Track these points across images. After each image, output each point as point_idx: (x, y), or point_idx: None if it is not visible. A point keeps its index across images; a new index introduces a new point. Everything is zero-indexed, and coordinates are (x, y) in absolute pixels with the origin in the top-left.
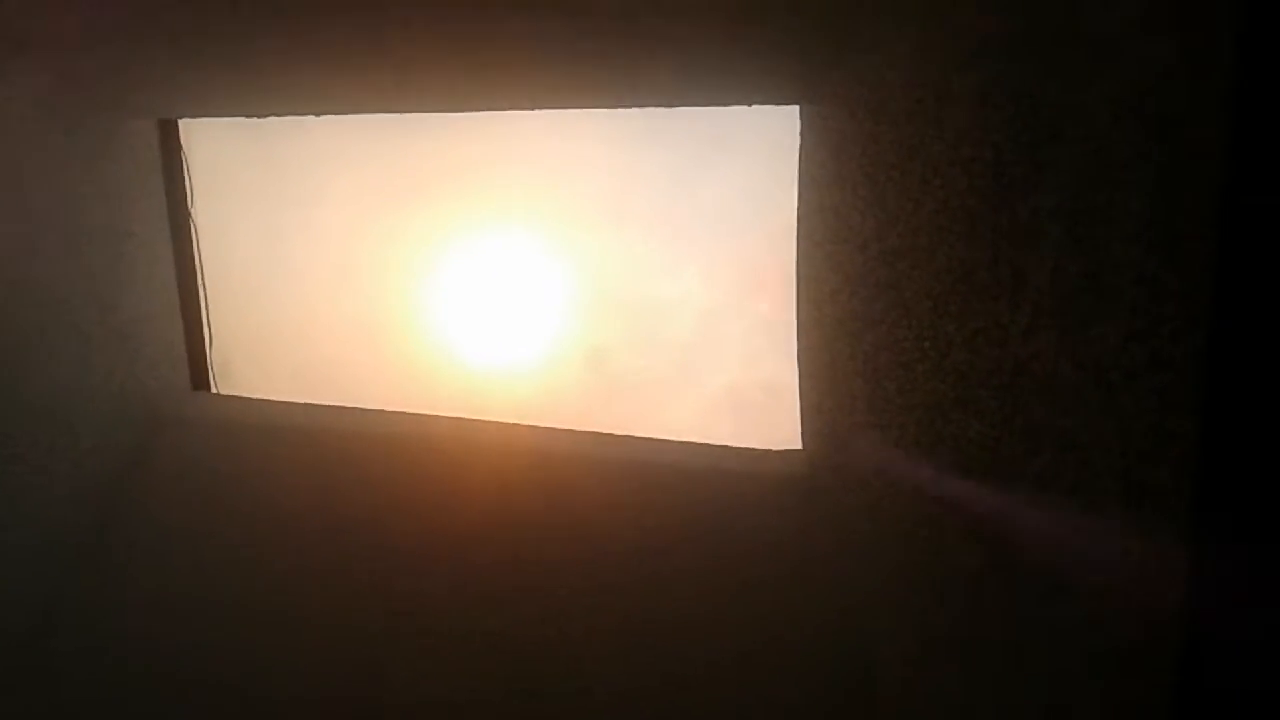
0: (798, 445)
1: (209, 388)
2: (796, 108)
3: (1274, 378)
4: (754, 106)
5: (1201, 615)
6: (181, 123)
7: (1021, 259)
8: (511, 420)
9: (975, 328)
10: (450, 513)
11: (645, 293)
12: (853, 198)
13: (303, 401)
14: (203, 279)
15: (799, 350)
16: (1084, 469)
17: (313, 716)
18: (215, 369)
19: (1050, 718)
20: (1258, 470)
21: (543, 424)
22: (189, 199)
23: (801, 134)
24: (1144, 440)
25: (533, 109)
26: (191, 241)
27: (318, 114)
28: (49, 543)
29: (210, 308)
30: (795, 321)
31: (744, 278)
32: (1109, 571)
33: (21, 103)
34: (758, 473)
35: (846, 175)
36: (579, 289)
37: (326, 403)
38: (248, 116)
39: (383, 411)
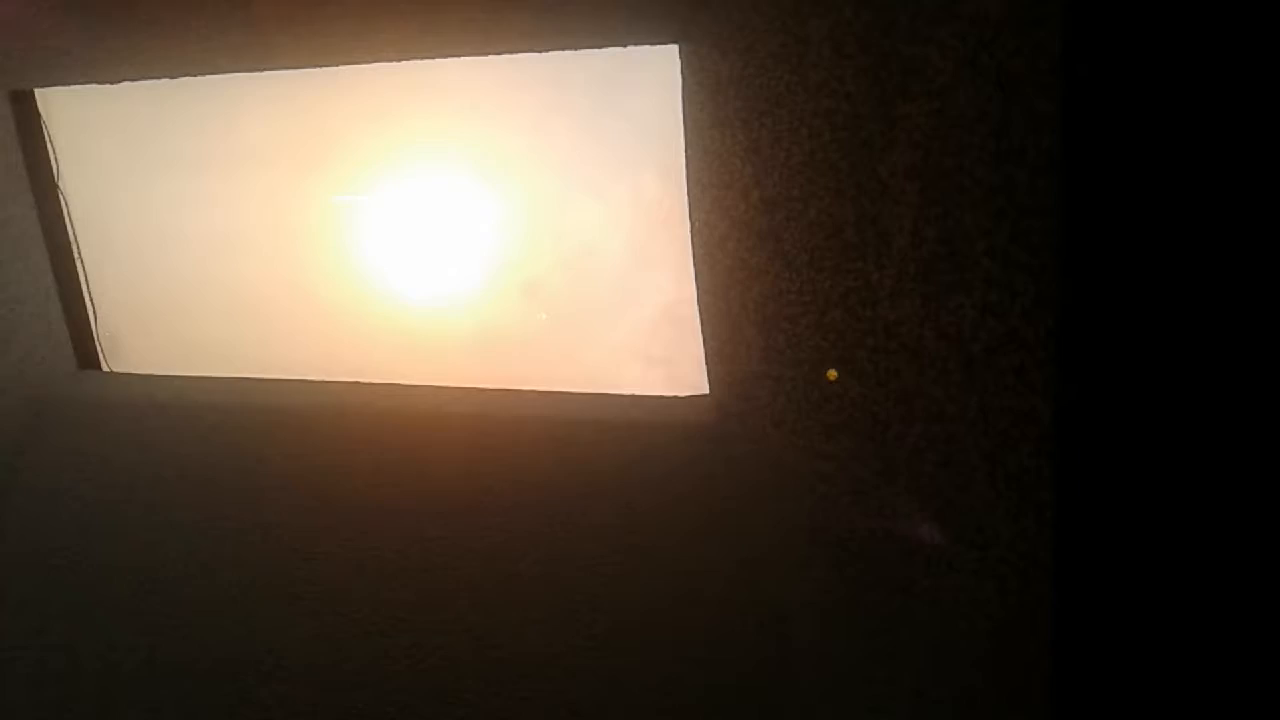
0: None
1: (98, 366)
2: (676, 48)
3: (1125, 358)
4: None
5: (1066, 596)
6: (38, 93)
7: (885, 219)
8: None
9: (848, 286)
10: (352, 482)
11: (572, 226)
12: (731, 143)
13: (193, 375)
14: (79, 255)
15: (698, 295)
16: (953, 443)
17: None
18: (103, 346)
19: (935, 679)
20: (1113, 455)
21: (480, 360)
22: (55, 172)
23: (682, 73)
24: (1004, 419)
25: (390, 60)
26: (63, 217)
27: (172, 77)
28: None
29: (91, 283)
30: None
31: (648, 211)
32: (978, 548)
33: None
34: (666, 422)
35: (724, 119)
36: (509, 223)
37: (226, 374)
38: (103, 83)
39: (280, 381)
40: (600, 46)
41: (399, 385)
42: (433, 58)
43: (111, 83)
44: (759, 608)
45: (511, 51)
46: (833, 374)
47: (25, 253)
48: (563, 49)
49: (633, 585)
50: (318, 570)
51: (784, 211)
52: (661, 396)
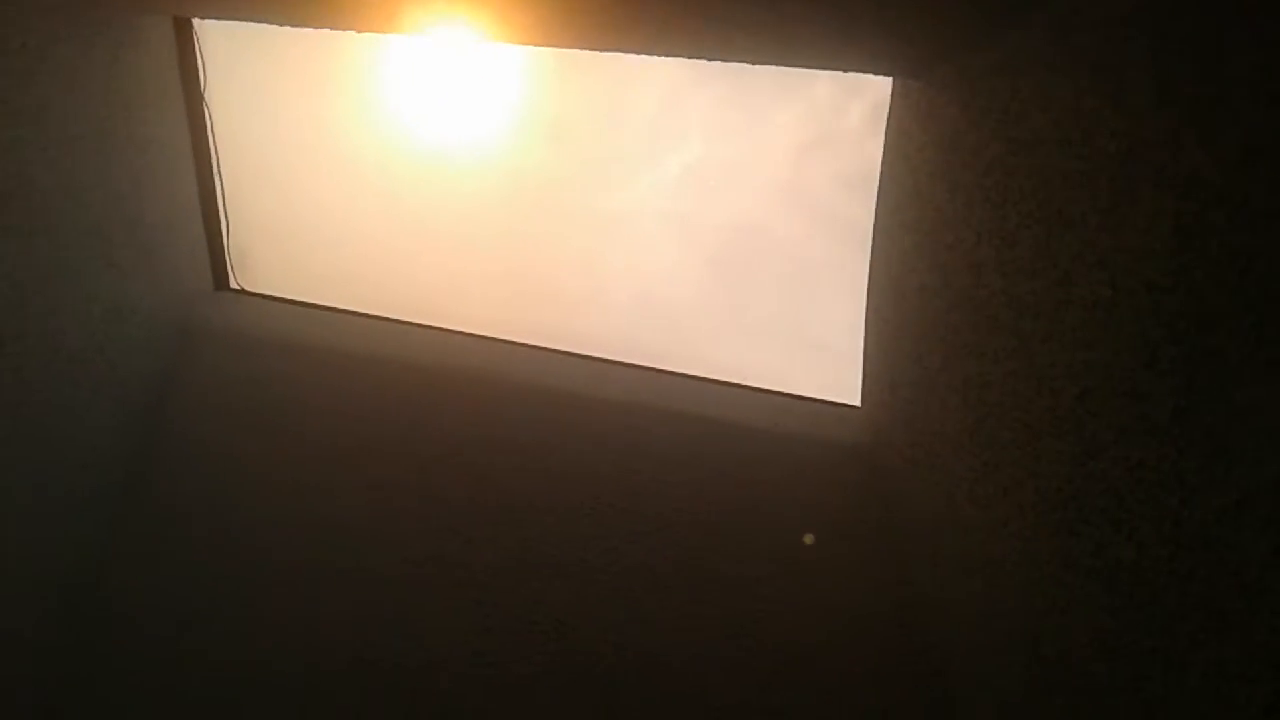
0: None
1: (229, 285)
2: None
3: None
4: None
5: None
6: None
7: (1065, 259)
8: None
9: (1017, 321)
10: (510, 462)
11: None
12: (926, 175)
13: (322, 305)
14: (220, 180)
15: (866, 311)
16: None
17: (349, 650)
18: (233, 262)
19: None
20: None
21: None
22: (204, 96)
23: (891, 103)
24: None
25: (618, 51)
26: (209, 142)
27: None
28: (95, 478)
29: (228, 203)
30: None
31: None
32: None
33: (42, 9)
34: (818, 437)
35: (925, 152)
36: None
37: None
38: (267, 23)
39: (407, 324)
40: (820, 69)
41: (559, 353)
42: (662, 55)
43: (274, 23)
44: (919, 664)
45: (737, 60)
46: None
47: (173, 173)
48: (785, 65)
49: (784, 617)
50: (475, 555)
51: (973, 245)
52: (813, 400)
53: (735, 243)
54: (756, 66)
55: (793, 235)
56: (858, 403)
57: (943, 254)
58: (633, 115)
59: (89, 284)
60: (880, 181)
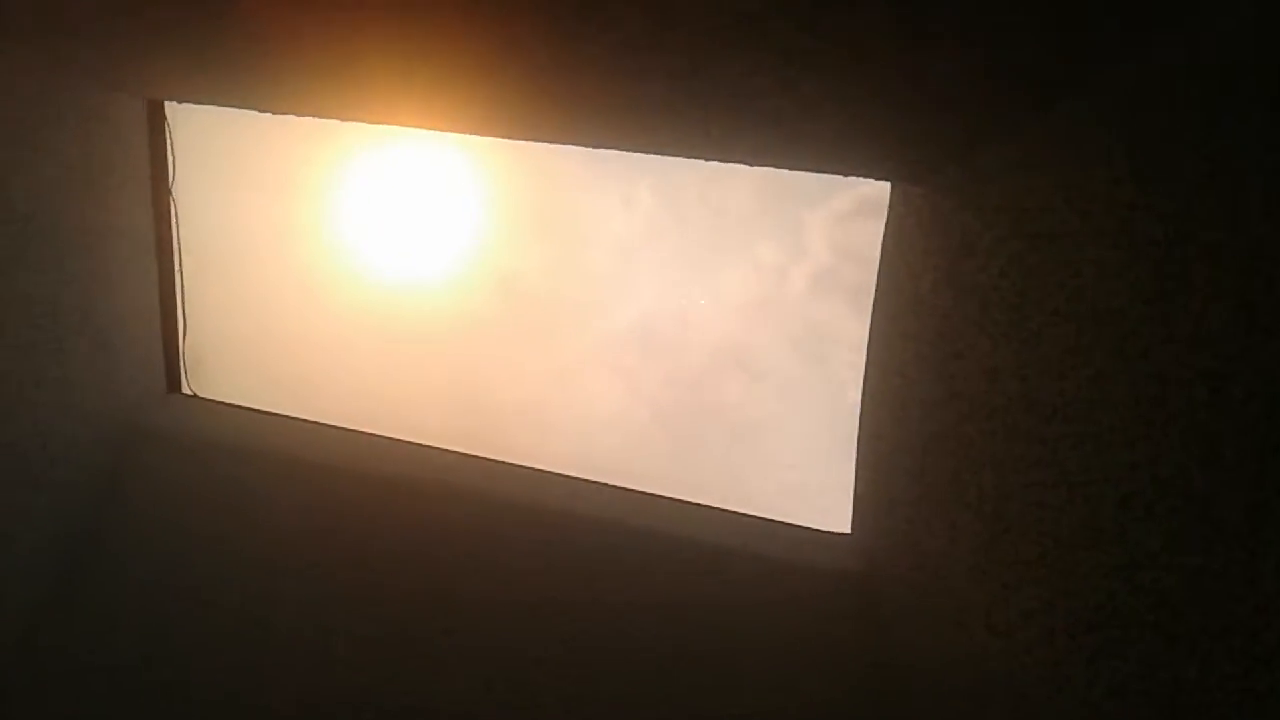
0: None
1: (181, 389)
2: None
3: None
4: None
5: None
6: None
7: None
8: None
9: (1025, 448)
10: (471, 571)
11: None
12: (951, 294)
13: (275, 412)
14: (182, 278)
15: (859, 429)
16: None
17: None
18: (187, 366)
19: None
20: None
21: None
22: (172, 185)
23: (890, 208)
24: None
25: (597, 146)
26: (173, 237)
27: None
28: (34, 563)
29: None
30: (860, 400)
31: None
32: None
33: (14, 79)
34: (808, 565)
35: (948, 269)
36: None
37: (298, 414)
38: (243, 107)
39: (361, 434)
40: (819, 172)
41: (523, 468)
42: (648, 153)
43: (243, 107)
44: None
45: (737, 162)
46: None
47: (133, 264)
48: (786, 168)
49: None
50: (444, 663)
51: (988, 351)
52: (801, 528)
53: (680, 400)
54: (701, 229)
55: (737, 392)
56: (845, 530)
57: (951, 363)
58: (586, 268)
59: (36, 368)
60: (876, 292)
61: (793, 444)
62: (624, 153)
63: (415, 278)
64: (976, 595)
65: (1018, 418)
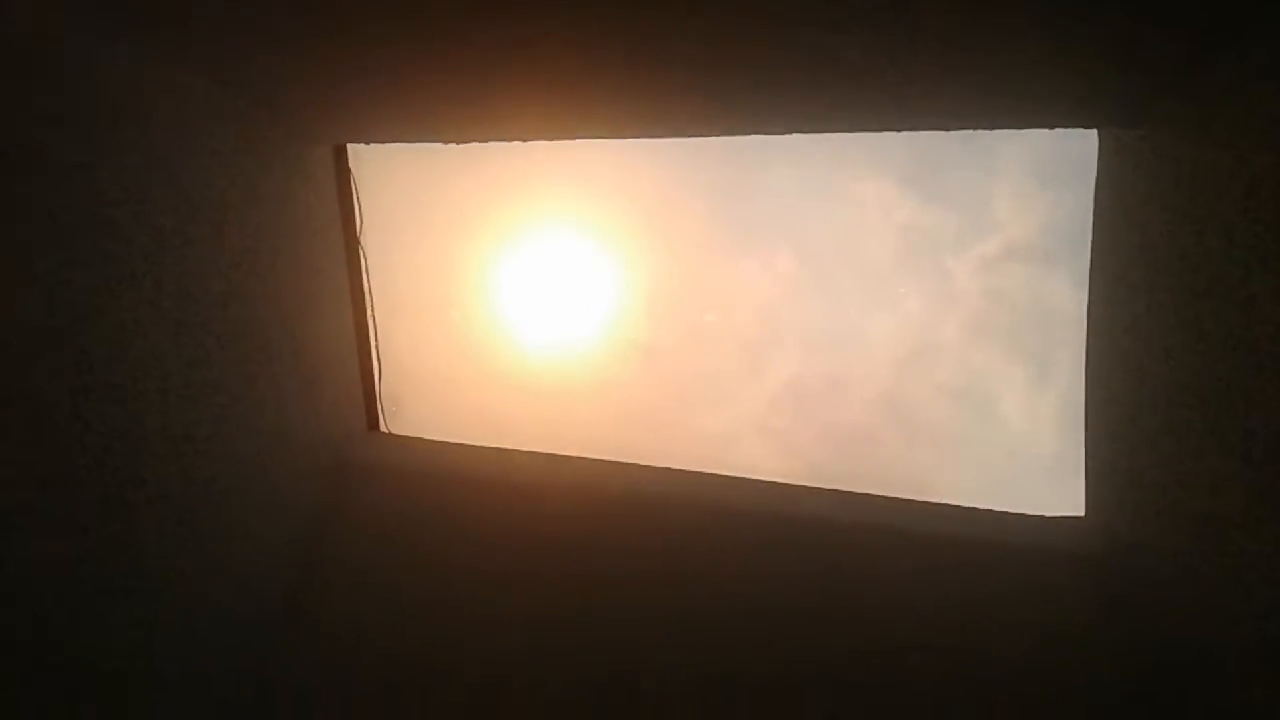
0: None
1: (379, 427)
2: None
3: None
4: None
5: None
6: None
7: None
8: None
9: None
10: (691, 584)
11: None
12: (1189, 231)
13: (473, 444)
14: (374, 321)
15: (1088, 404)
16: None
17: None
18: (384, 407)
19: None
20: None
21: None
22: (359, 227)
23: (1101, 163)
24: None
25: (794, 132)
26: (362, 273)
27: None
28: (257, 605)
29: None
30: (1084, 372)
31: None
32: None
33: (228, 138)
34: (1041, 546)
35: (1181, 207)
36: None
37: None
38: (417, 142)
39: (556, 457)
40: (1023, 128)
41: (735, 478)
42: (852, 131)
43: (418, 141)
44: None
45: (934, 128)
46: None
47: (333, 305)
48: (991, 128)
49: None
50: (662, 681)
51: (1240, 280)
52: (1032, 516)
53: (836, 457)
54: (844, 285)
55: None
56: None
57: (1196, 304)
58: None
59: (257, 398)
60: (1093, 252)
61: (955, 495)
62: (761, 218)
63: (563, 351)
64: (1254, 546)
65: None
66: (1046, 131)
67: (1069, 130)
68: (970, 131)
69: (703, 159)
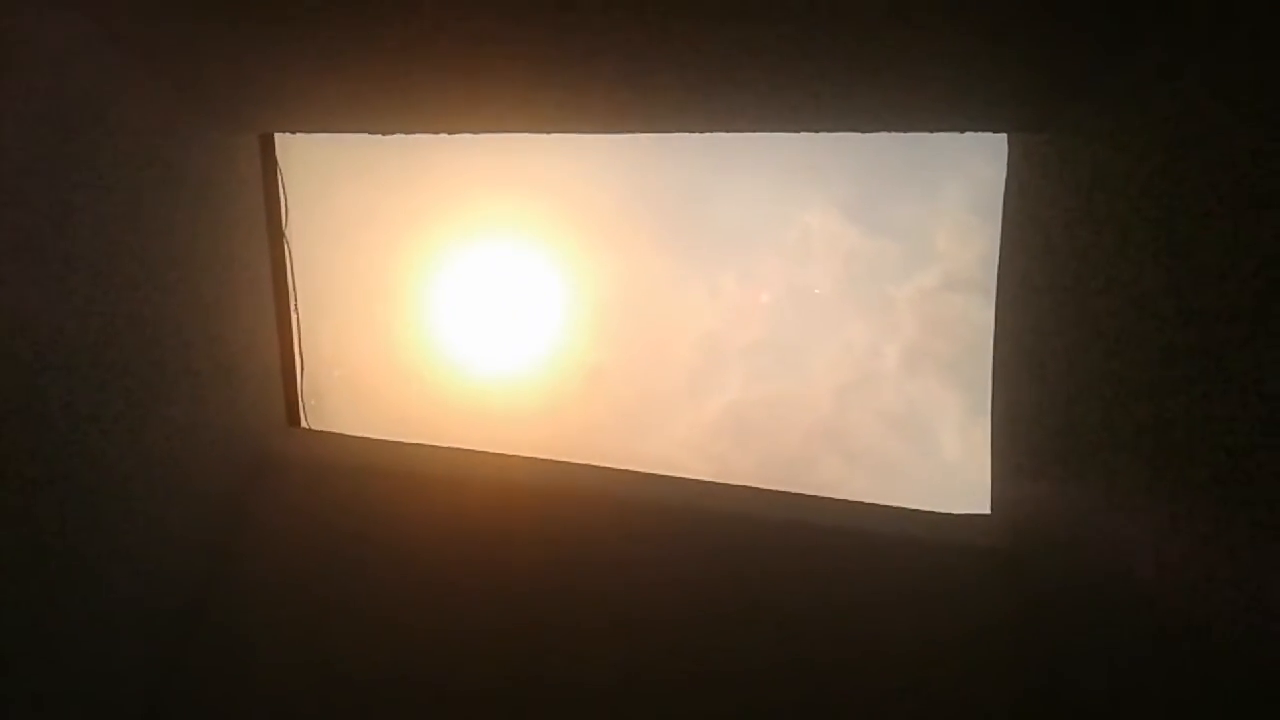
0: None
1: (300, 423)
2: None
3: None
4: None
5: None
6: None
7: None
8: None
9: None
10: (605, 581)
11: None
12: (1089, 229)
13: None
14: (298, 315)
15: (994, 404)
16: None
17: None
18: (305, 402)
19: None
20: None
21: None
22: (284, 218)
23: (1011, 167)
24: None
25: (713, 130)
26: (286, 267)
27: (413, 133)
28: (163, 596)
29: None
30: (990, 373)
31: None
32: None
33: (145, 117)
34: (948, 542)
35: (1082, 207)
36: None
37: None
38: (347, 131)
39: (480, 452)
40: (935, 131)
41: (651, 475)
42: (775, 131)
43: (347, 131)
44: None
45: (850, 130)
46: None
47: (253, 297)
48: (901, 131)
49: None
50: (578, 677)
51: (1134, 276)
52: (936, 514)
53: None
54: (788, 313)
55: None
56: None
57: (1093, 300)
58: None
59: (168, 385)
60: (1000, 257)
61: None
62: (708, 243)
63: (504, 365)
64: (1142, 535)
65: (1173, 336)
66: (986, 165)
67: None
68: (911, 165)
69: (653, 179)
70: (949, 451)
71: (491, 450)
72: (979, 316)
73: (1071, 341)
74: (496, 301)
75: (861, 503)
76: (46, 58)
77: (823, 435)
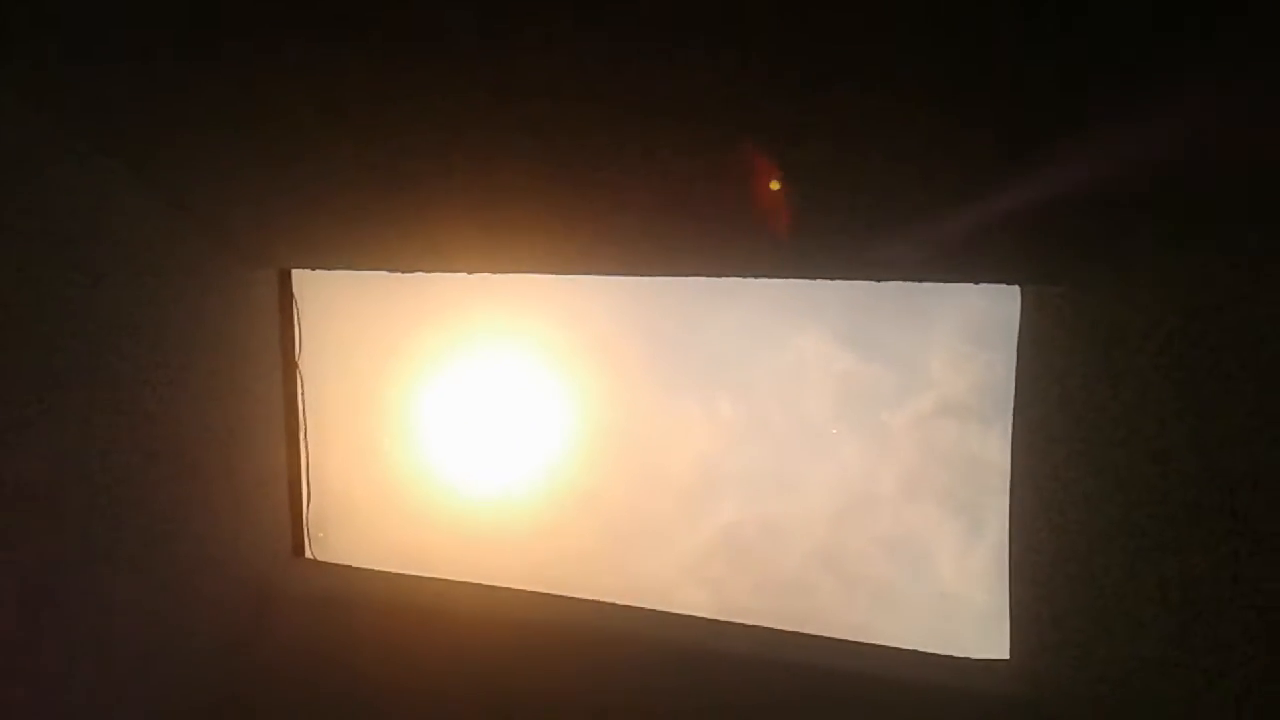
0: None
1: (305, 554)
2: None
3: None
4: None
5: None
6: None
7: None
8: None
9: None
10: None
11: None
12: (1106, 384)
13: (396, 571)
14: (307, 446)
15: (1012, 550)
16: None
17: None
18: (310, 533)
19: None
20: None
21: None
22: (298, 351)
23: (1024, 316)
24: None
25: (734, 275)
26: (298, 397)
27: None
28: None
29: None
30: (1008, 515)
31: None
32: None
33: (172, 257)
34: (966, 688)
35: (1099, 363)
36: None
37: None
38: (364, 270)
39: (486, 586)
40: (950, 282)
41: (667, 614)
42: (790, 278)
43: (367, 269)
44: None
45: (868, 279)
46: None
47: (267, 428)
48: (916, 280)
49: None
50: None
51: (1155, 432)
52: (954, 658)
53: (770, 608)
54: (782, 436)
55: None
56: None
57: (1112, 452)
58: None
59: (182, 519)
60: (1016, 401)
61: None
62: (704, 364)
63: (503, 491)
64: (1174, 690)
65: (1198, 494)
66: (978, 295)
67: (1000, 294)
68: (906, 293)
69: (650, 302)
70: (946, 577)
71: (503, 584)
72: (973, 442)
73: (1092, 492)
74: (496, 427)
75: (879, 646)
76: (85, 205)
77: (819, 558)
